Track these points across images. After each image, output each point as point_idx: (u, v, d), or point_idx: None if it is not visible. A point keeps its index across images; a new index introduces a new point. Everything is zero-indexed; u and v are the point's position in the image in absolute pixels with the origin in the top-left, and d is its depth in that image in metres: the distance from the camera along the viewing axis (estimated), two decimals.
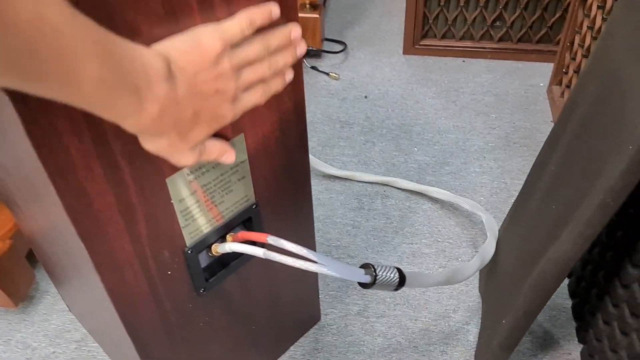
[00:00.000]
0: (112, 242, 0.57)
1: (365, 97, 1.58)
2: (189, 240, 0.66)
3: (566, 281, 1.08)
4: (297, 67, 0.65)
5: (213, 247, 0.70)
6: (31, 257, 1.07)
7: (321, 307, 1.07)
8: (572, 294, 1.05)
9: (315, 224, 1.23)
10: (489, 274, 1.05)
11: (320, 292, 1.05)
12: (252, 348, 0.92)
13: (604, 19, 1.20)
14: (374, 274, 0.70)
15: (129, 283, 0.62)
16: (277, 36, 0.51)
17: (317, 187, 1.32)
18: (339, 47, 1.77)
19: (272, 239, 0.65)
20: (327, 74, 1.66)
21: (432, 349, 1.01)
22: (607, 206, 0.59)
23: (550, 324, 1.04)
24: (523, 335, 0.82)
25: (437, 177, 1.34)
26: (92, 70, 0.34)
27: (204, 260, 0.71)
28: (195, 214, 0.65)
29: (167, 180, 0.58)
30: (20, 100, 0.42)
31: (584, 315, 0.97)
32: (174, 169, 0.58)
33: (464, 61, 1.70)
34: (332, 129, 1.48)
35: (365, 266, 0.71)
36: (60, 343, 1.04)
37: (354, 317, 1.06)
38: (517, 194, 1.23)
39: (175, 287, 0.68)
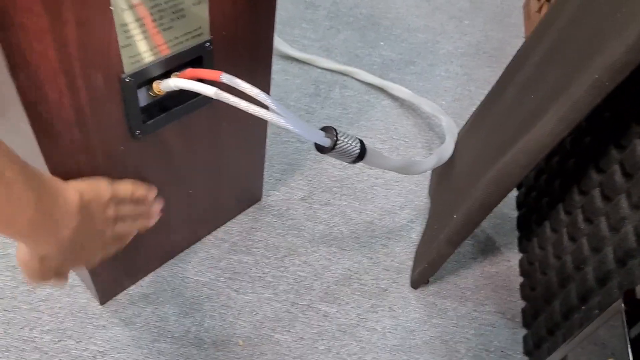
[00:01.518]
0: (32, 43, 0.47)
1: None
2: (128, 66, 0.56)
3: (514, 192, 1.07)
4: None
5: (154, 84, 0.61)
6: None
7: (264, 188, 1.00)
8: (520, 205, 1.04)
9: None
10: (441, 175, 1.01)
11: (264, 172, 0.98)
12: (188, 216, 0.84)
13: None
14: (335, 138, 0.63)
15: (52, 101, 0.52)
16: (143, 208, 0.65)
17: (273, 66, 1.22)
18: None
19: (226, 77, 0.57)
20: None
21: (373, 241, 0.97)
22: (602, 86, 0.54)
23: (494, 231, 1.03)
24: (473, 230, 0.79)
25: (401, 75, 1.27)
26: (27, 214, 0.42)
27: (143, 98, 0.62)
28: (137, 34, 0.54)
29: None
30: None
31: (530, 224, 0.95)
32: None
33: None
34: (296, 8, 1.36)
35: (326, 129, 0.64)
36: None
37: (297, 202, 1.01)
38: (480, 103, 1.18)
39: (107, 122, 0.59)
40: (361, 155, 0.65)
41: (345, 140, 0.63)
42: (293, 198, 1.01)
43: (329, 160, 1.07)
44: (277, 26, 1.31)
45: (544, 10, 1.37)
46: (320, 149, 0.63)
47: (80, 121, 0.56)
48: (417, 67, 1.29)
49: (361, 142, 0.66)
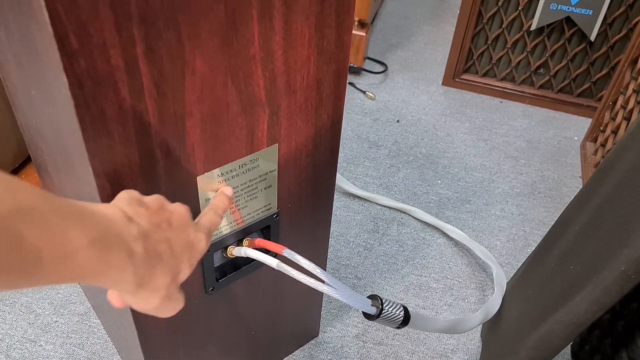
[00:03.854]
0: None
1: (398, 121, 1.59)
2: None
3: None
4: (341, 85, 0.66)
5: (229, 248, 0.71)
6: None
7: (321, 324, 1.07)
8: (574, 355, 1.04)
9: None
10: (493, 321, 1.04)
11: (322, 309, 1.05)
12: (248, 354, 0.92)
13: None
14: (380, 307, 0.70)
15: None
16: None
17: (335, 203, 1.33)
18: (379, 68, 1.78)
19: (287, 252, 0.66)
20: (364, 92, 1.67)
21: None
22: (628, 278, 0.58)
23: None
24: None
25: (457, 213, 1.33)
26: (79, 236, 0.34)
27: (217, 259, 0.72)
28: None
29: (198, 178, 0.59)
30: (76, 84, 0.43)
31: None
32: (207, 167, 0.59)
33: (501, 102, 1.69)
34: (360, 147, 1.49)
35: (372, 297, 0.71)
36: (64, 313, 1.05)
37: (351, 339, 1.06)
38: (534, 243, 1.22)
39: (186, 281, 0.69)
40: (405, 321, 0.71)
41: (390, 309, 0.70)
42: (348, 335, 1.07)
43: None
44: (342, 164, 1.43)
45: (600, 153, 1.42)
46: (367, 316, 0.70)
47: None
48: (472, 206, 1.36)
49: (405, 309, 0.72)
